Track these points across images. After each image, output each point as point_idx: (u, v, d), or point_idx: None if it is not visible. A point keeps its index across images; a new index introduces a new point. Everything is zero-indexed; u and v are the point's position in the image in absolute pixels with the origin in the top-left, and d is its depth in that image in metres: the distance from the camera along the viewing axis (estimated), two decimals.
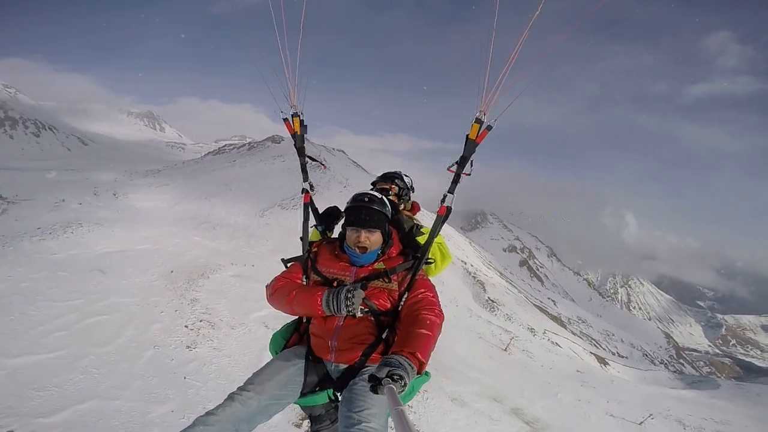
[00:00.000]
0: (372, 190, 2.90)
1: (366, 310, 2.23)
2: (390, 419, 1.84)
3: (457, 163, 2.33)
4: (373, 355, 2.25)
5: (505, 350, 19.44)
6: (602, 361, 31.34)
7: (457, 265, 36.46)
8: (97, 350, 9.06)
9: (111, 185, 35.81)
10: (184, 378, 7.71)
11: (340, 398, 2.20)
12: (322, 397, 2.35)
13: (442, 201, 2.36)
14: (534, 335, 27.69)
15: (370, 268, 2.36)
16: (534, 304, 42.59)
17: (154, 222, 21.33)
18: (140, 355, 9.15)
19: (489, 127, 2.20)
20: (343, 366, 2.28)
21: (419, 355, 1.84)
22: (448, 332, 19.54)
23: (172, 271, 12.33)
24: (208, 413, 1.90)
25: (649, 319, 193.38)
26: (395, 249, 2.49)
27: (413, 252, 2.50)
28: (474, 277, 34.47)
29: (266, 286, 2.50)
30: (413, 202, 3.38)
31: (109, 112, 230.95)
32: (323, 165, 3.14)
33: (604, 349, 48.10)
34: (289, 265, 2.60)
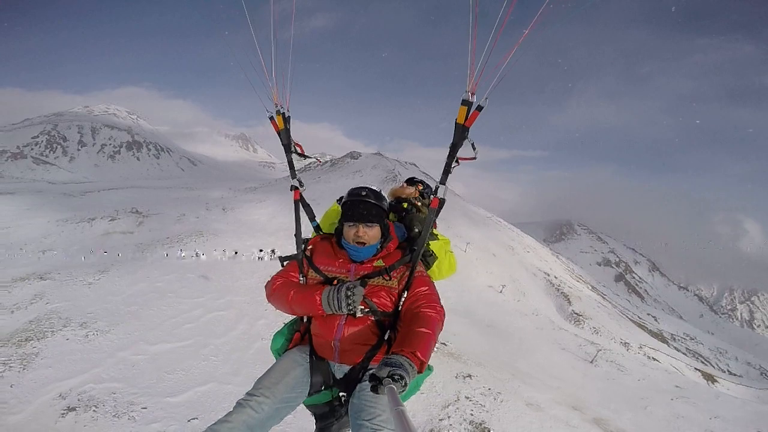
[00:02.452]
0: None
1: (366, 310, 2.20)
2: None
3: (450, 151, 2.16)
4: (377, 355, 2.25)
5: (591, 362, 18.64)
6: (709, 377, 28.14)
7: (539, 277, 35.36)
8: (215, 341, 10.79)
9: (219, 201, 41.18)
10: None
11: (342, 396, 2.29)
12: (326, 396, 2.36)
13: (434, 192, 2.27)
14: (628, 349, 25.95)
15: (370, 265, 2.33)
16: (631, 320, 39.37)
17: (257, 233, 24.55)
18: (249, 347, 10.67)
19: (480, 108, 2.01)
20: (346, 367, 2.28)
21: (419, 354, 1.83)
22: (528, 340, 19.22)
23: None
24: (220, 421, 1.90)
25: None
26: (393, 243, 2.46)
27: (411, 246, 2.47)
28: (557, 289, 33.19)
29: (265, 286, 2.49)
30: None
31: (210, 135, 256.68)
32: (318, 161, 3.25)
33: (713, 366, 42.68)
34: (285, 263, 2.55)
